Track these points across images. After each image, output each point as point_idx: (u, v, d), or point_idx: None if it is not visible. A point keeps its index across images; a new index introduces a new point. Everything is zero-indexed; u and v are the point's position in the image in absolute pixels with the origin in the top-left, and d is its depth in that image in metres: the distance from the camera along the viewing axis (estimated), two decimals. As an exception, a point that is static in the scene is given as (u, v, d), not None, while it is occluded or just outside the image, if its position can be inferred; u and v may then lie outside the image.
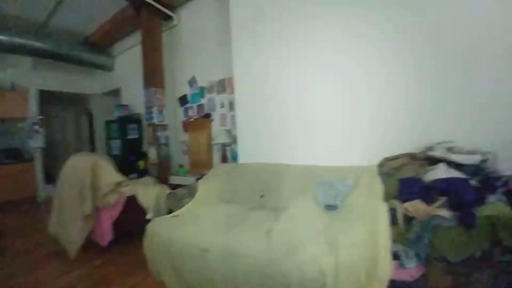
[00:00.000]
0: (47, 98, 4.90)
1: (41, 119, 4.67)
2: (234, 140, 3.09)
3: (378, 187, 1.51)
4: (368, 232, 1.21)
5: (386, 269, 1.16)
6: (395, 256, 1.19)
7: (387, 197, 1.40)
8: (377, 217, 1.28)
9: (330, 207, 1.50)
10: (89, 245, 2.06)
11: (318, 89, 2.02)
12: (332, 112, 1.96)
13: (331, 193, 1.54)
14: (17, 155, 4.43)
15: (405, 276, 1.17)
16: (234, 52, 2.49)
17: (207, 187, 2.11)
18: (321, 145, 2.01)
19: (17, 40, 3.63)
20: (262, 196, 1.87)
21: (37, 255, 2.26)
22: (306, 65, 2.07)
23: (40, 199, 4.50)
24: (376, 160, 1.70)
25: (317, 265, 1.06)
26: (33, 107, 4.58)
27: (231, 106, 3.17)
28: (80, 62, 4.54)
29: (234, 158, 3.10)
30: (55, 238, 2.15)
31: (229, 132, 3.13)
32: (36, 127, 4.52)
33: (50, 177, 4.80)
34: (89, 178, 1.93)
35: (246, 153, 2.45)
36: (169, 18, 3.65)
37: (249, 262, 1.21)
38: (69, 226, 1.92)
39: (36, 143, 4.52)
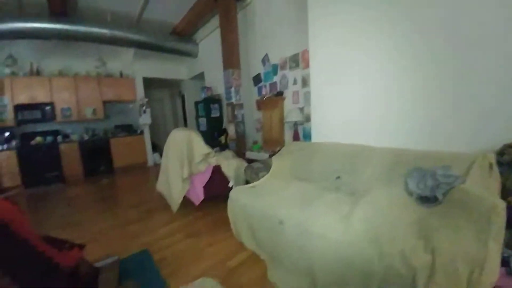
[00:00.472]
0: (148, 83, 6.05)
1: (147, 101, 5.85)
2: (306, 119, 3.03)
3: (494, 180, 1.20)
4: (475, 231, 1.00)
5: (493, 275, 0.95)
6: (504, 262, 0.99)
7: (506, 193, 1.10)
8: (489, 216, 1.03)
9: (426, 200, 1.30)
10: (185, 203, 2.55)
11: (405, 58, 1.68)
12: (430, 79, 1.60)
13: (428, 183, 1.32)
14: (130, 130, 5.77)
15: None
16: (310, 23, 2.33)
17: (281, 163, 2.19)
18: (412, 125, 1.70)
19: (118, 33, 4.24)
20: (338, 177, 1.80)
21: (145, 208, 2.86)
22: (386, 39, 1.76)
23: (149, 165, 5.83)
24: (488, 146, 1.34)
25: (406, 260, 0.98)
26: (140, 91, 5.77)
27: (304, 82, 3.06)
28: (171, 51, 5.26)
29: (306, 136, 3.06)
30: (161, 195, 2.76)
31: (301, 110, 3.08)
32: (143, 107, 5.72)
33: (154, 147, 6.12)
34: (186, 148, 2.36)
35: (320, 132, 2.36)
36: (242, -3, 3.71)
37: (325, 242, 1.22)
38: (172, 186, 2.44)
39: (144, 120, 5.75)
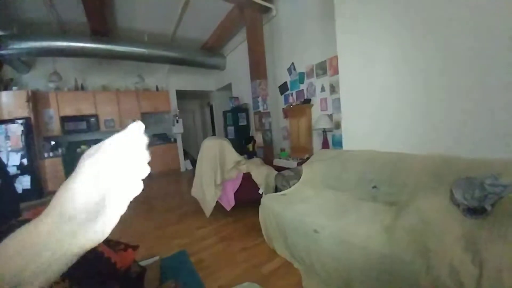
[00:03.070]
0: (180, 95, 6.46)
1: (179, 111, 6.24)
2: (336, 126, 2.99)
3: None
4: None
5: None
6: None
7: None
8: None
9: (473, 211, 1.21)
10: (217, 208, 2.65)
11: (442, 60, 1.60)
12: (475, 87, 1.49)
13: (476, 194, 1.23)
14: (164, 138, 6.19)
15: None
16: (337, 29, 2.33)
17: (312, 171, 2.19)
18: (457, 130, 1.60)
19: (155, 51, 4.65)
20: (374, 187, 1.74)
21: (179, 212, 3.04)
22: (419, 41, 1.69)
23: (182, 171, 6.15)
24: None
25: (454, 273, 0.94)
26: (173, 103, 6.20)
27: (332, 89, 3.05)
28: (201, 65, 5.59)
29: (336, 144, 3.01)
30: (195, 200, 2.90)
31: (330, 117, 3.05)
32: (176, 117, 6.11)
33: (185, 154, 6.46)
34: (218, 156, 2.48)
35: (351, 139, 2.31)
36: (268, 10, 3.85)
37: (365, 253, 1.20)
38: (206, 192, 2.56)
39: (177, 129, 6.14)
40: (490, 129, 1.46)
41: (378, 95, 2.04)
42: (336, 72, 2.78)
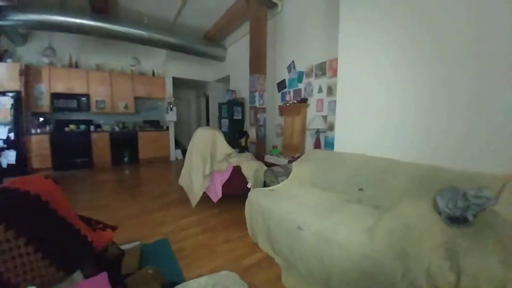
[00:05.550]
0: (176, 83, 6.34)
1: (174, 99, 6.13)
2: (329, 127, 3.01)
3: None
4: (503, 255, 0.96)
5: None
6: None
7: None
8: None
9: (455, 220, 1.25)
10: (204, 199, 2.62)
11: (443, 71, 1.63)
12: (473, 96, 1.51)
13: (459, 204, 1.27)
14: (157, 125, 6.07)
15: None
16: (340, 32, 2.33)
17: (301, 169, 2.20)
18: (448, 141, 1.63)
19: (155, 35, 4.51)
20: (360, 189, 1.76)
21: (166, 199, 3.05)
22: (420, 50, 1.72)
23: (171, 159, 6.07)
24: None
25: (430, 278, 0.97)
26: (169, 90, 6.08)
27: (330, 91, 3.06)
28: (201, 54, 5.48)
29: (327, 145, 3.03)
30: (182, 189, 2.87)
31: (325, 118, 3.07)
32: (171, 105, 6.00)
33: (177, 144, 6.38)
34: (210, 146, 2.45)
35: (343, 141, 2.33)
36: (273, 5, 3.81)
37: (345, 253, 1.21)
38: (193, 181, 2.53)
39: (170, 117, 6.04)
40: (490, 142, 1.46)
41: (376, 101, 2.06)
42: (335, 74, 2.78)
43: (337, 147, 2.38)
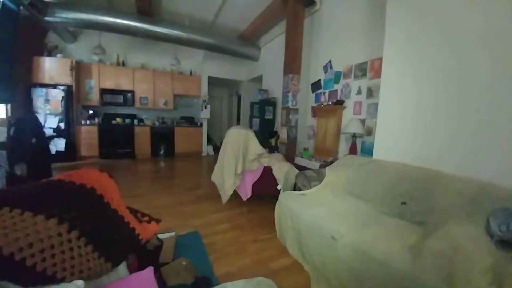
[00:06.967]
0: (211, 81, 6.56)
1: (208, 97, 6.37)
2: (367, 132, 2.83)
3: None
4: None
5: None
6: None
7: None
8: None
9: (507, 244, 1.08)
10: (233, 197, 2.68)
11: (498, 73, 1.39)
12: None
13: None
14: (191, 122, 6.38)
15: None
16: (387, 30, 2.15)
17: (336, 175, 2.10)
18: (497, 154, 1.42)
19: (194, 36, 4.72)
20: (403, 203, 1.61)
21: (197, 193, 3.20)
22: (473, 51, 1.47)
23: (203, 154, 6.34)
24: None
25: None
26: (204, 89, 6.33)
27: (370, 93, 2.86)
28: (235, 54, 5.58)
29: (364, 151, 2.85)
30: (213, 184, 2.97)
31: (362, 122, 2.89)
32: (205, 103, 6.25)
33: (209, 140, 6.63)
34: (242, 146, 2.49)
35: (384, 148, 2.17)
36: (311, 3, 3.69)
37: (385, 270, 1.12)
38: (225, 179, 2.60)
39: (205, 114, 6.31)
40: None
41: (421, 108, 1.87)
42: (377, 75, 2.60)
43: (377, 154, 2.21)
